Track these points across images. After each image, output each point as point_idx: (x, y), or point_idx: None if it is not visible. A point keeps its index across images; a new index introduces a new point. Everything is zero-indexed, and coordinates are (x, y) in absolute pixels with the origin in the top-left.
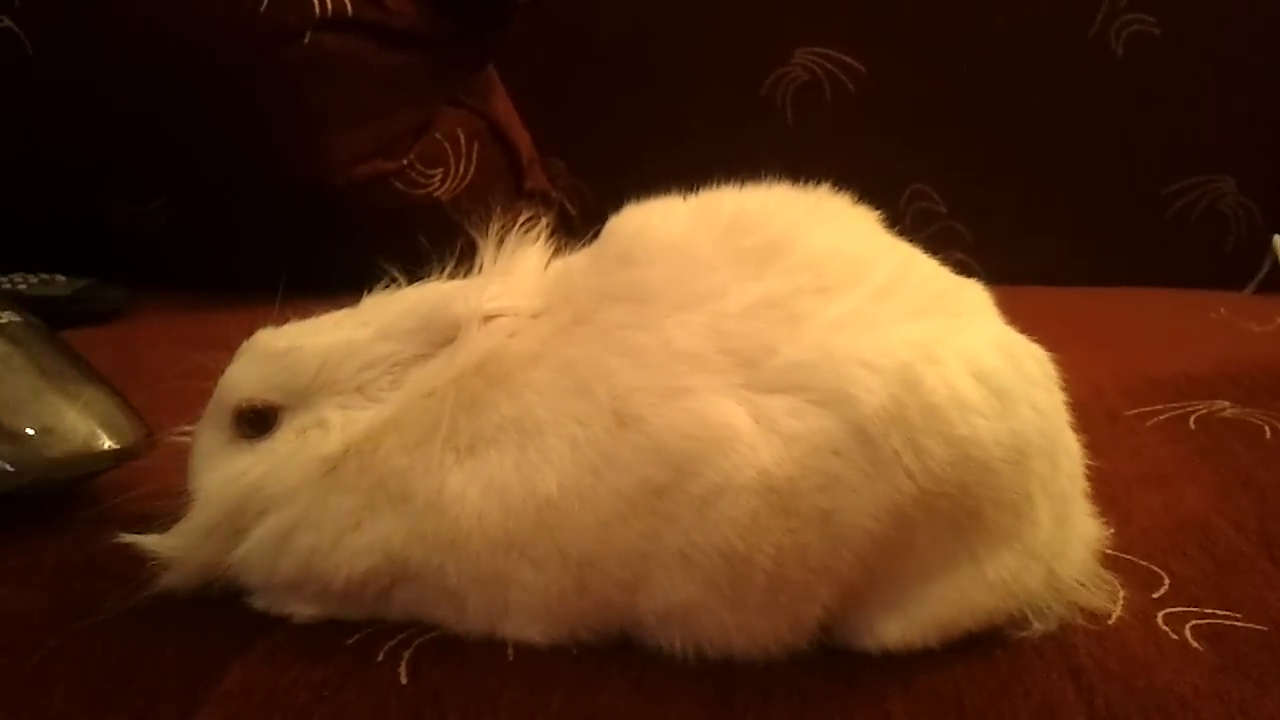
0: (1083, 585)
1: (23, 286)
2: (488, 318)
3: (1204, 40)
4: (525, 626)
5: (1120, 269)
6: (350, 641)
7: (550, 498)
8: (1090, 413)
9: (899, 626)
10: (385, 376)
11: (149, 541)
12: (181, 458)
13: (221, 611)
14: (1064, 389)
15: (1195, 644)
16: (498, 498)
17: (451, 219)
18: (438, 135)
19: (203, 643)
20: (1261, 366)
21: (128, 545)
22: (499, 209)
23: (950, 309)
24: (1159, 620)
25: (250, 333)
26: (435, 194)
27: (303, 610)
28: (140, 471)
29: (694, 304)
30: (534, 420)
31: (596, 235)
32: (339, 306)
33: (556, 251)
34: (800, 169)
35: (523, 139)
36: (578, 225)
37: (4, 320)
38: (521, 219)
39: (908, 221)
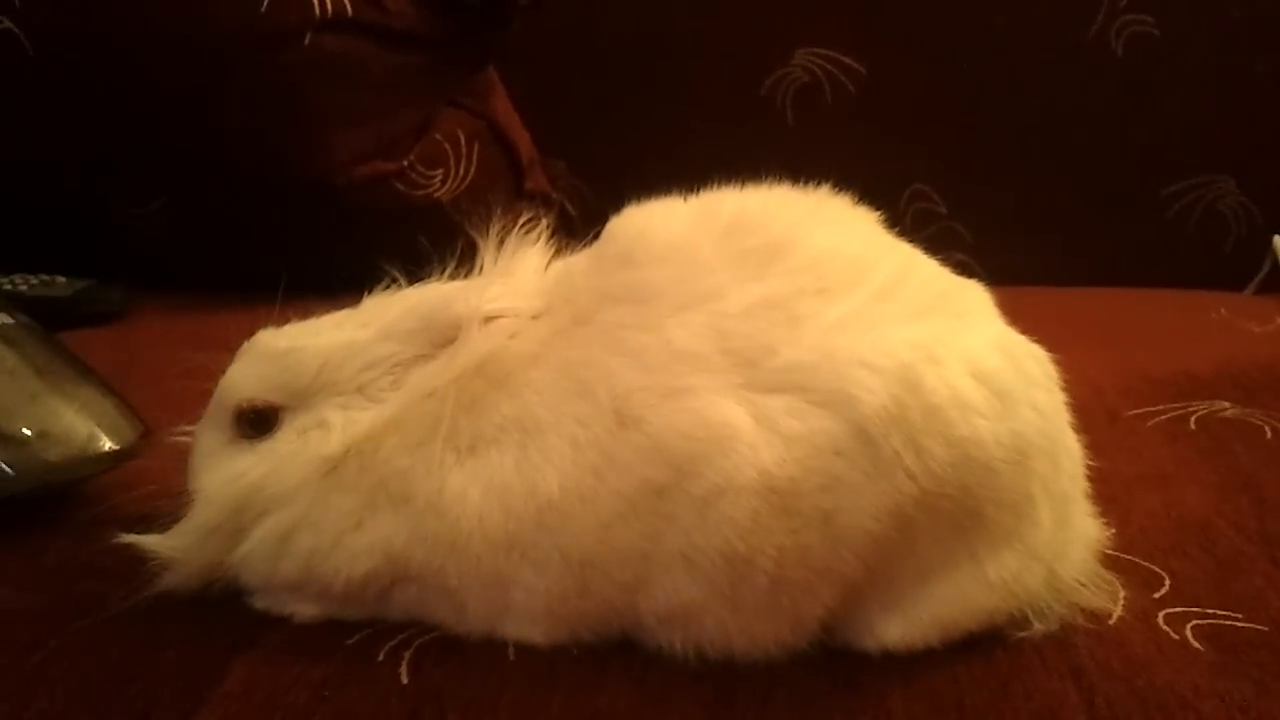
0: (1083, 585)
1: (23, 287)
2: (488, 318)
3: (1204, 41)
4: (526, 627)
5: (1120, 269)
6: (351, 641)
7: (551, 498)
8: (1091, 413)
9: (900, 627)
10: (386, 377)
11: (149, 541)
12: (182, 458)
13: (222, 611)
14: (1064, 389)
15: (1196, 644)
16: (498, 498)
17: (452, 220)
18: (438, 136)
19: (203, 643)
20: (1262, 367)
21: (128, 545)
22: (499, 210)
23: (951, 310)
24: (1160, 620)
25: (251, 333)
26: (435, 195)
27: (303, 610)
28: (141, 471)
29: (694, 304)
30: (535, 421)
31: (597, 236)
32: (340, 307)
33: (557, 252)
34: (800, 170)
35: (523, 140)
36: (578, 226)
37: None
38: (522, 220)
39: (908, 222)
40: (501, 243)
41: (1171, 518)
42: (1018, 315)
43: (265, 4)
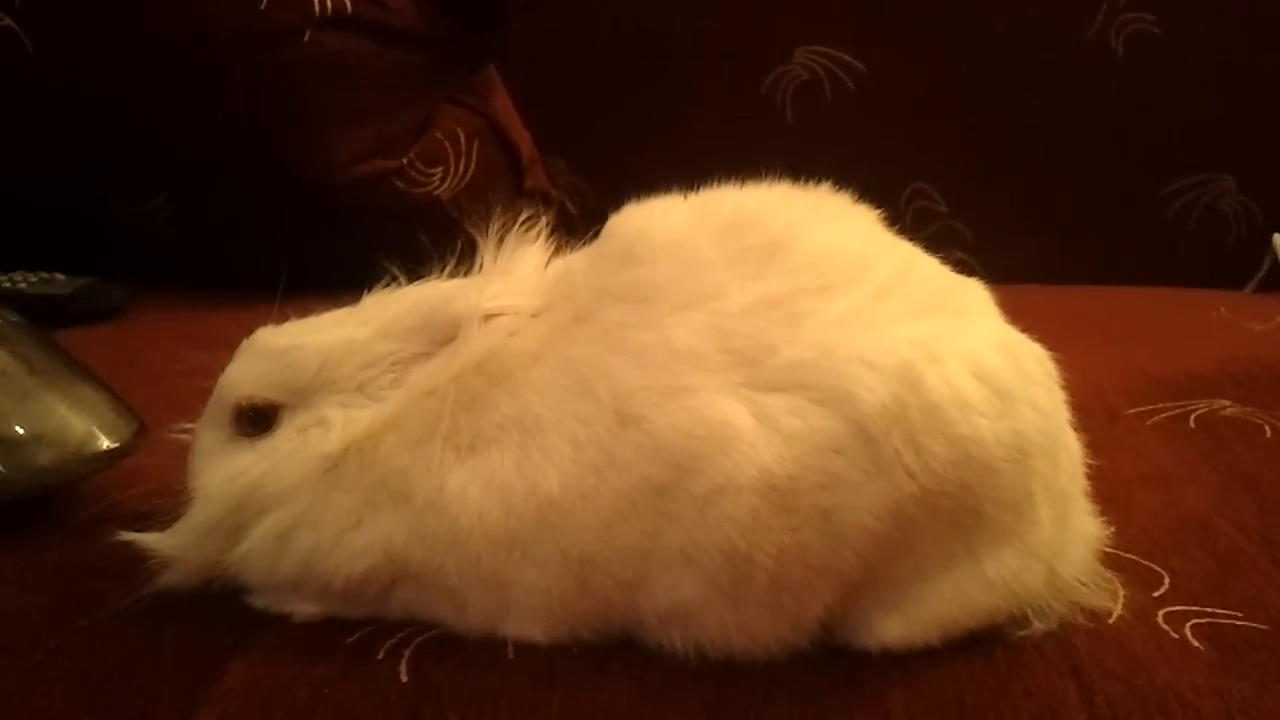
0: (1083, 584)
1: (23, 285)
2: (488, 316)
3: (1204, 39)
4: (526, 625)
5: (1120, 268)
6: (351, 640)
7: (551, 497)
8: (1091, 412)
9: (900, 625)
10: (386, 375)
11: (149, 539)
12: (182, 456)
13: (222, 610)
14: (1064, 388)
15: (1196, 643)
16: (499, 497)
17: (452, 218)
18: (438, 134)
19: (203, 641)
20: (1262, 365)
21: (128, 543)
22: (499, 208)
23: (951, 308)
24: (1159, 619)
25: (250, 331)
26: (435, 193)
27: (303, 609)
28: (140, 469)
29: (695, 303)
30: (535, 419)
31: (597, 234)
32: (339, 305)
33: (557, 250)
34: (800, 168)
35: (523, 138)
36: (578, 224)
37: None
38: (522, 218)
39: (908, 220)
40: (501, 241)
41: (1171, 516)
42: (1018, 314)
43: (265, 2)
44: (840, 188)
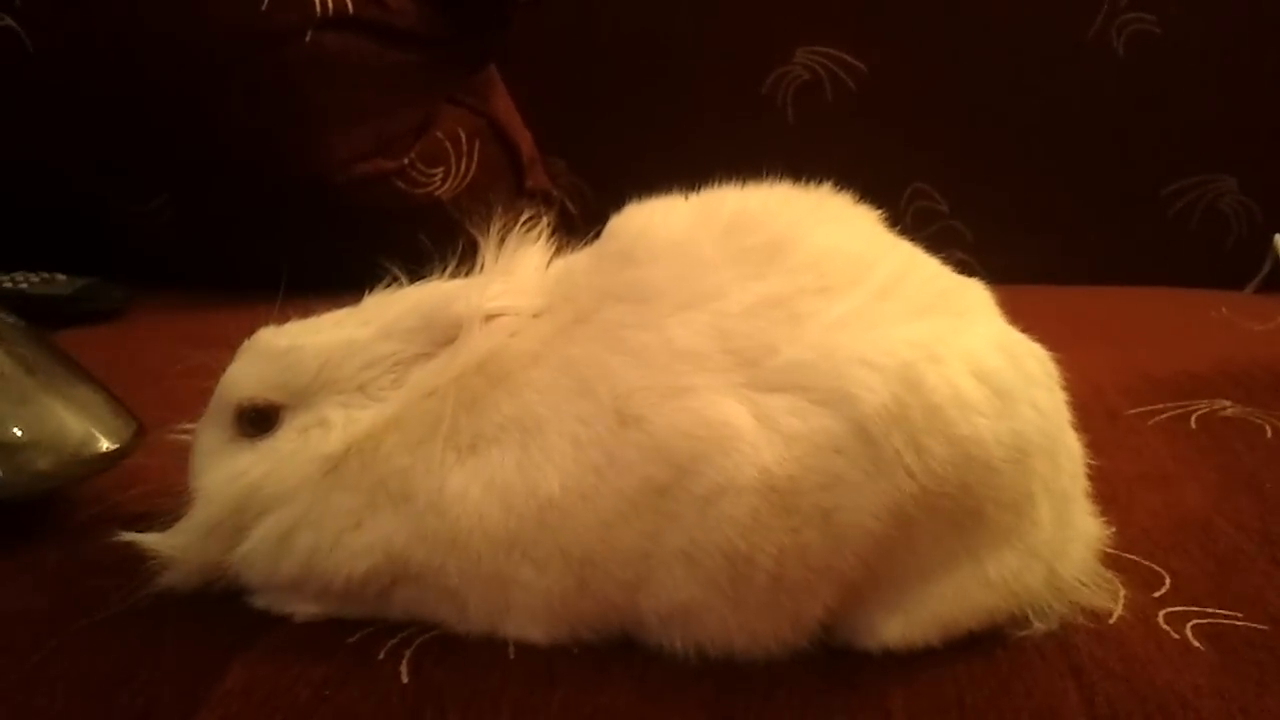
0: (1084, 584)
1: (24, 285)
2: (489, 317)
3: (1205, 39)
4: (527, 626)
5: (1121, 268)
6: (351, 640)
7: (552, 497)
8: (1091, 412)
9: (900, 625)
10: (387, 375)
11: (150, 540)
12: (183, 456)
13: (222, 610)
14: (1065, 388)
15: (1196, 643)
16: (499, 497)
17: (452, 218)
18: (439, 134)
19: (203, 641)
20: (1262, 366)
21: (128, 544)
22: (500, 208)
23: (951, 308)
24: (1160, 619)
25: (251, 331)
26: (436, 193)
27: (304, 609)
28: (141, 470)
29: (695, 303)
30: (535, 419)
31: (598, 234)
32: (340, 305)
33: (558, 251)
34: (801, 168)
35: (524, 138)
36: (579, 224)
37: None
38: (522, 218)
39: (909, 221)
40: (502, 241)
41: (1172, 517)
42: (1018, 314)
43: (266, 2)
44: (841, 188)
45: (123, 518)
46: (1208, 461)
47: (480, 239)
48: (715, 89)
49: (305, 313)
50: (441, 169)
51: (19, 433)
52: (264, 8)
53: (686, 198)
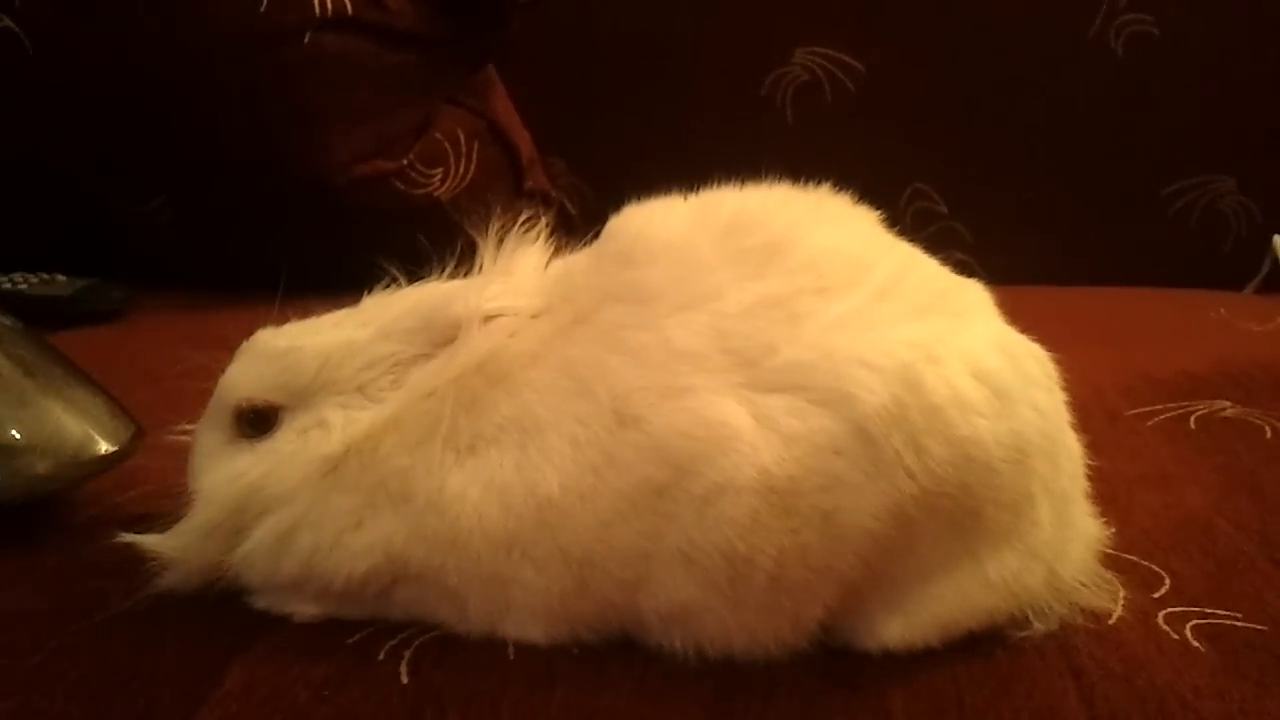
0: (1084, 585)
1: (23, 286)
2: (488, 317)
3: (1204, 40)
4: (526, 626)
5: (1120, 269)
6: (351, 641)
7: (551, 497)
8: (1091, 412)
9: (900, 626)
10: (386, 376)
11: (150, 541)
12: (182, 457)
13: (222, 611)
14: (1064, 389)
15: (1196, 644)
16: (498, 497)
17: (451, 219)
18: (438, 135)
19: (203, 642)
20: (1262, 366)
21: (128, 545)
22: (499, 209)
23: (951, 309)
24: (1160, 620)
25: (250, 332)
26: (435, 194)
27: (303, 610)
28: (140, 471)
29: (694, 304)
30: (534, 420)
31: (597, 235)
32: (339, 306)
33: (556, 251)
34: (800, 169)
35: (523, 139)
36: (578, 225)
37: None
38: (521, 219)
39: (908, 221)
40: (501, 242)
41: (1171, 517)
42: (1017, 314)
43: (265, 3)
44: (840, 189)
45: (122, 519)
46: (1207, 462)
47: (479, 240)
48: (715, 89)
49: (304, 313)
50: (441, 170)
51: (18, 435)
52: (263, 9)
53: (685, 198)
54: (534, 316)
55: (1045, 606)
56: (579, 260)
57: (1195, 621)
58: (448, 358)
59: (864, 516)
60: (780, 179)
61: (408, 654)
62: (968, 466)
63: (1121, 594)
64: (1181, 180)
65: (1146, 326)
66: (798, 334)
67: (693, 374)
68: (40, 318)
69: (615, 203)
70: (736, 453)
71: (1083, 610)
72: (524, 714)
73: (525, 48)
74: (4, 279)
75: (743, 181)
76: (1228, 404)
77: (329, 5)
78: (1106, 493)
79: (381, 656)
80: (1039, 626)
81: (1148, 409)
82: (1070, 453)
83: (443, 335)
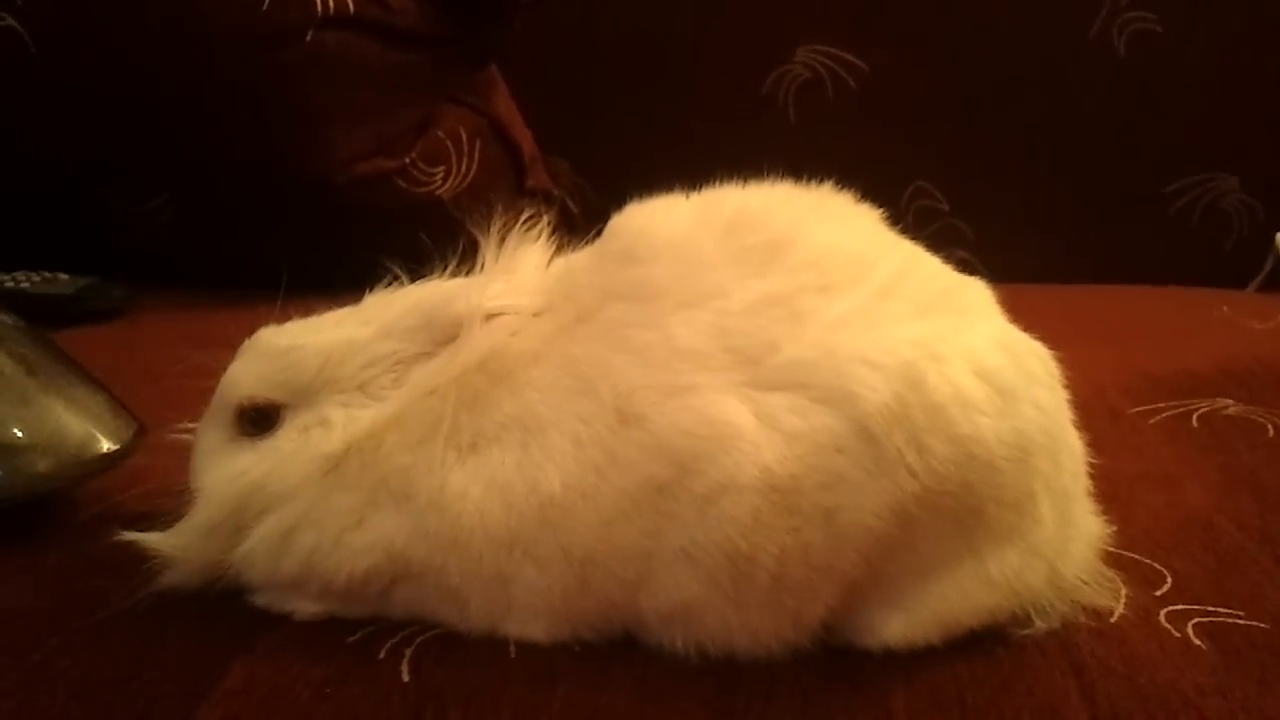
0: (1085, 583)
1: (25, 285)
2: (490, 316)
3: (1206, 38)
4: (527, 625)
5: (1122, 267)
6: (352, 639)
7: (553, 496)
8: (1093, 411)
9: (901, 624)
10: (387, 375)
11: (151, 539)
12: (184, 456)
13: (223, 609)
14: (1066, 387)
15: (1198, 642)
16: (500, 496)
17: (453, 217)
18: (439, 133)
19: (204, 640)
20: (1264, 365)
21: (130, 543)
22: (501, 207)
23: (953, 307)
24: (1161, 618)
25: (252, 331)
26: (437, 192)
27: (304, 608)
28: (142, 469)
29: (697, 302)
30: (536, 418)
31: (599, 233)
32: (341, 305)
33: (558, 250)
34: (802, 167)
35: (524, 137)
36: (580, 223)
37: None
38: (523, 217)
39: (910, 219)
40: (503, 240)
41: (1173, 515)
42: (1019, 313)
43: (267, 2)
44: (842, 187)
45: (124, 517)
46: (1209, 460)
47: (481, 238)
48: (716, 88)
49: (306, 312)
50: (442, 168)
51: (19, 434)
52: (265, 7)
53: (688, 197)
54: (536, 315)
55: (1047, 604)
56: (581, 258)
57: (1197, 619)
58: (449, 356)
59: (866, 515)
60: (782, 177)
61: (409, 652)
62: (970, 465)
63: (1123, 592)
64: (1184, 178)
65: (1148, 325)
66: (800, 332)
67: (695, 372)
68: (42, 316)
69: (617, 201)
70: (739, 451)
71: (1084, 608)
72: (525, 712)
73: (527, 46)
74: (6, 277)
75: (745, 180)
76: (1230, 402)
77: (331, 4)
78: (1108, 491)
79: (382, 655)
80: (1040, 624)
81: (1150, 407)
82: (1072, 451)
83: (444, 334)
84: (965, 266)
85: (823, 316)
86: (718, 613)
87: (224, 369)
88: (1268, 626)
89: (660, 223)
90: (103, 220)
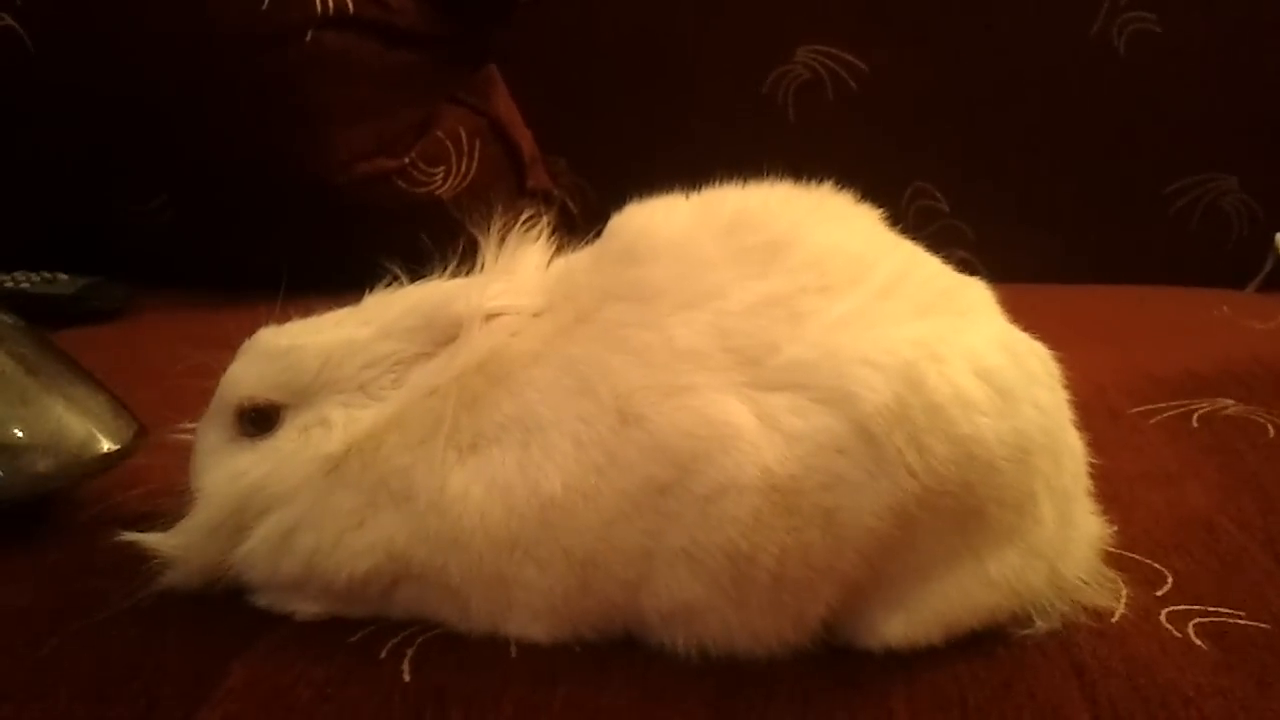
0: (1086, 583)
1: (25, 285)
2: (489, 316)
3: (1206, 38)
4: (528, 625)
5: (1122, 267)
6: (353, 639)
7: (553, 496)
8: (1093, 411)
9: (902, 625)
10: (387, 375)
11: (151, 540)
12: (184, 456)
13: (224, 610)
14: (1066, 387)
15: (1198, 642)
16: (500, 496)
17: (453, 217)
18: (439, 133)
19: (205, 641)
20: (1264, 364)
21: (130, 543)
22: (501, 207)
23: (953, 307)
24: (1162, 618)
25: (252, 331)
26: (437, 192)
27: (305, 608)
28: (142, 470)
29: (696, 302)
30: (536, 419)
31: (599, 234)
32: (341, 305)
33: (558, 250)
34: (802, 167)
35: (524, 137)
36: (580, 224)
37: None
38: (523, 217)
39: (910, 220)
40: (503, 240)
41: (1174, 515)
42: (1019, 313)
43: (267, 2)
44: (842, 187)
45: (124, 518)
46: (1210, 460)
47: (481, 238)
48: (716, 88)
49: (306, 312)
50: (442, 168)
51: (20, 434)
52: (265, 7)
53: (687, 197)
54: (536, 315)
55: (1047, 605)
56: (581, 259)
57: (1198, 620)
58: (449, 356)
59: (866, 515)
60: (782, 177)
61: (410, 652)
62: (970, 465)
63: (1124, 592)
64: (1184, 178)
65: (1149, 325)
66: (800, 333)
67: (695, 373)
68: (42, 316)
69: (617, 201)
70: (739, 451)
71: (1085, 608)
72: (526, 712)
73: (527, 46)
74: (6, 277)
75: (745, 180)
76: (1230, 402)
77: (330, 3)
78: (1109, 491)
79: (383, 655)
80: (1041, 625)
81: (1150, 407)
82: (1073, 451)
83: (444, 334)
84: (965, 266)
85: (823, 317)
86: (718, 613)
87: (224, 369)
88: (1269, 627)
89: (660, 223)
90: (103, 220)
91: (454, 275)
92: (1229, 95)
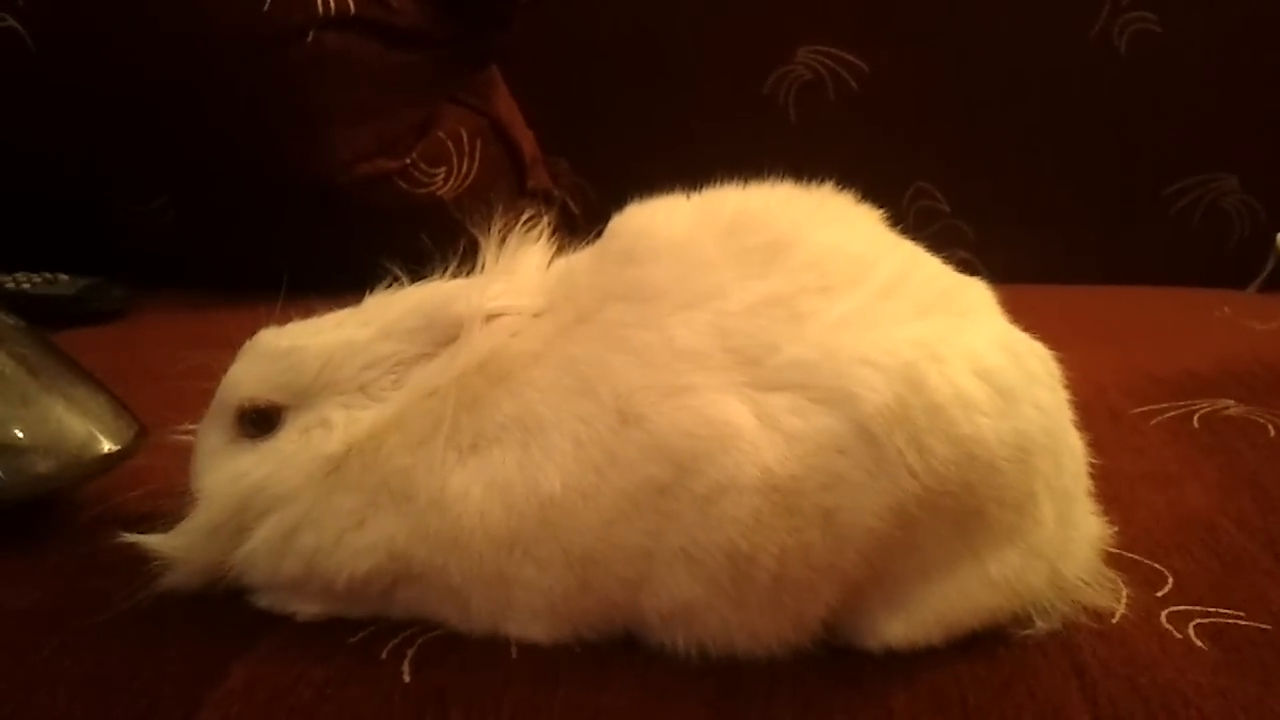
0: (1086, 584)
1: (26, 286)
2: (490, 317)
3: (1207, 38)
4: (528, 625)
5: (1123, 267)
6: (353, 640)
7: (553, 496)
8: (1093, 411)
9: (902, 625)
10: (388, 376)
11: (152, 541)
12: (184, 457)
13: (224, 610)
14: (1067, 387)
15: (1199, 642)
16: (500, 496)
17: (454, 218)
18: (440, 134)
19: (206, 641)
20: (1265, 365)
21: (131, 544)
22: (501, 208)
23: (953, 308)
24: (1162, 619)
25: (252, 332)
26: (438, 193)
27: (306, 609)
28: (143, 471)
29: (697, 302)
30: (537, 419)
31: (599, 234)
32: (341, 306)
33: (559, 250)
34: (803, 167)
35: (525, 138)
36: (580, 224)
37: None
38: (524, 218)
39: (910, 220)
40: (503, 241)
41: (1174, 516)
42: (1020, 313)
43: (268, 2)
44: (843, 187)
45: (125, 519)
46: (1210, 461)
47: (481, 239)
48: (716, 89)
49: (306, 313)
50: (443, 169)
51: (20, 435)
52: (266, 8)
53: (688, 197)
54: (536, 315)
55: (1048, 605)
56: (581, 259)
57: (1198, 620)
58: (450, 357)
59: (866, 515)
60: (783, 178)
61: (410, 653)
62: (970, 465)
63: (1124, 593)
64: (1184, 179)
65: (1149, 325)
66: (800, 333)
67: (695, 373)
68: (43, 317)
69: (618, 202)
70: (739, 451)
71: (1085, 609)
72: (526, 713)
73: (528, 46)
74: (7, 278)
75: (745, 180)
76: (1231, 403)
77: (332, 4)
78: (1109, 491)
79: (384, 655)
80: (1042, 625)
81: (1151, 407)
82: (1073, 451)
83: (445, 334)
84: (966, 267)
85: (823, 317)
86: (718, 613)
87: (224, 370)
88: (1269, 627)
89: (660, 223)
90: (103, 221)
91: (454, 276)
92: (1230, 95)
